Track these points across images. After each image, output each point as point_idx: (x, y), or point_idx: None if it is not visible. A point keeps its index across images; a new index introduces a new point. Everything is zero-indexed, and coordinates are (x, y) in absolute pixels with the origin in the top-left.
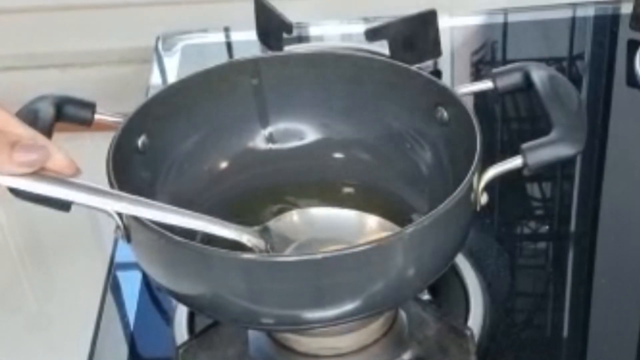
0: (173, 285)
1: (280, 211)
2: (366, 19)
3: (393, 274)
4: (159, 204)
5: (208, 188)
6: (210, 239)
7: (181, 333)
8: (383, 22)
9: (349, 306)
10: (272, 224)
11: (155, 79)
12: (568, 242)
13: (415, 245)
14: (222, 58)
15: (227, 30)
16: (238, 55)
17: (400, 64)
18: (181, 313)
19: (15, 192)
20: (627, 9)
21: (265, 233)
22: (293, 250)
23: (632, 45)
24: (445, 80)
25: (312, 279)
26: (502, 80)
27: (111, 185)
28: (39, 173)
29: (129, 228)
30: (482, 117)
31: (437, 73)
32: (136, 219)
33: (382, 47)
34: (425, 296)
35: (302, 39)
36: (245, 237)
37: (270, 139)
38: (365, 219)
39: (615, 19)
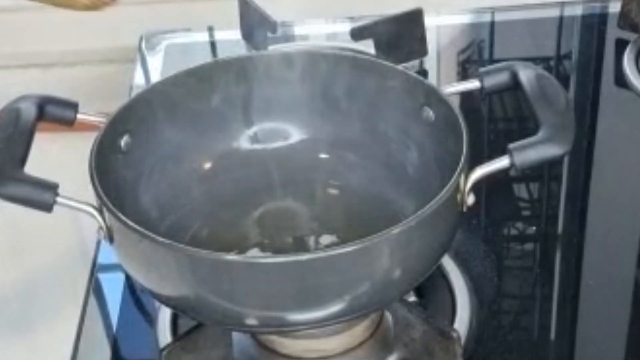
0: (156, 287)
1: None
2: (351, 18)
3: (379, 275)
4: None
5: (192, 188)
6: (195, 241)
7: (164, 335)
8: (368, 21)
9: (334, 308)
10: None
11: (139, 79)
12: (555, 243)
13: (402, 246)
14: (206, 57)
15: (211, 29)
16: (222, 54)
17: (386, 63)
18: (164, 315)
19: None
20: (615, 7)
21: None
22: None
23: (620, 44)
24: (432, 79)
25: (297, 280)
26: (489, 80)
27: (94, 186)
28: None
29: (111, 229)
30: (468, 117)
31: (423, 72)
32: (118, 219)
33: (367, 47)
34: (412, 298)
35: (286, 38)
36: None
37: (254, 138)
38: None
39: (603, 17)
